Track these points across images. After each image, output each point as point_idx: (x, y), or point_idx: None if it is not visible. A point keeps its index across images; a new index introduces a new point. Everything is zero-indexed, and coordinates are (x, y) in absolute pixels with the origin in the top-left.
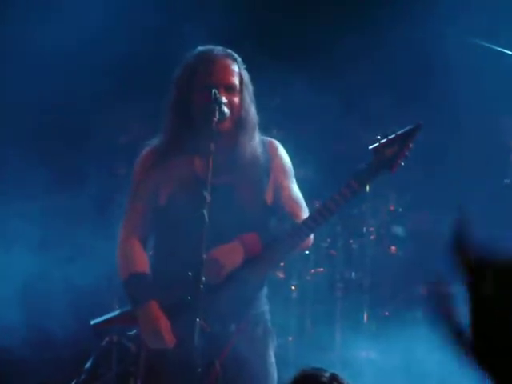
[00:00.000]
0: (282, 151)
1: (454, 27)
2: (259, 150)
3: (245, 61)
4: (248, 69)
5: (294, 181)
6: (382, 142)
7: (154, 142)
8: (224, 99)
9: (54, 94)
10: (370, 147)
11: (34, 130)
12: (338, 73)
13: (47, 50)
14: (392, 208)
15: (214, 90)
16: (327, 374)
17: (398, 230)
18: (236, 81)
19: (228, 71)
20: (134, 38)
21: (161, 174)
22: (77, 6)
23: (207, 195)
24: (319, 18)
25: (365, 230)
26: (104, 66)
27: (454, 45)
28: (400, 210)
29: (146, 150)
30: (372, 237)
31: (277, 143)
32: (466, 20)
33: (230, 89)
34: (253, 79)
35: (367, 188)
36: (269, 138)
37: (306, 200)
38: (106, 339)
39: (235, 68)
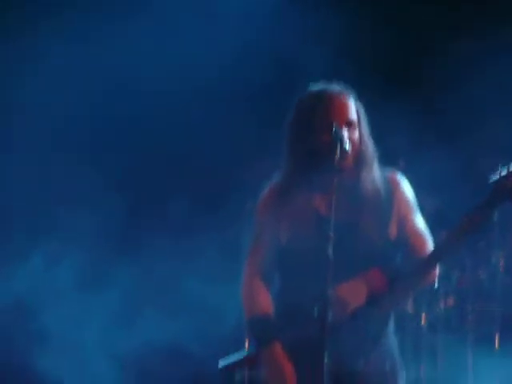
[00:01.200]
0: (405, 183)
1: None
2: (380, 184)
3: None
4: (373, 101)
5: (419, 213)
6: (502, 173)
7: (275, 180)
8: (346, 136)
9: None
10: (491, 180)
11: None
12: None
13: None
14: None
15: (334, 127)
16: None
17: None
18: (354, 116)
19: (346, 108)
20: (262, 67)
21: (282, 212)
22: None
23: (331, 233)
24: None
25: (494, 260)
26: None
27: None
28: None
29: (266, 189)
30: (501, 266)
31: (398, 175)
32: None
33: (349, 125)
34: (381, 109)
35: (492, 219)
36: (390, 171)
37: (434, 230)
38: (238, 374)
39: (352, 103)
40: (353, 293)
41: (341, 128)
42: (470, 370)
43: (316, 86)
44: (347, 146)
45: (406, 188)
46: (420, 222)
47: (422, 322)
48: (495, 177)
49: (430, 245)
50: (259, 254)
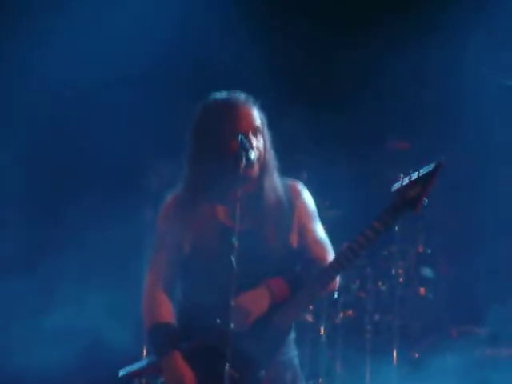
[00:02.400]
0: (306, 193)
1: (489, 67)
2: (282, 192)
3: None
4: (276, 112)
5: (319, 222)
6: (404, 183)
7: (177, 189)
8: (254, 143)
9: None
10: (393, 189)
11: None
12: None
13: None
14: (421, 250)
15: (240, 137)
16: None
17: (427, 271)
18: (260, 124)
19: (252, 116)
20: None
21: (184, 222)
22: None
23: (235, 241)
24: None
25: (394, 271)
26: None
27: (486, 85)
28: (429, 251)
29: (168, 198)
30: (401, 279)
31: (299, 185)
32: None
33: (255, 133)
34: (284, 122)
35: (396, 228)
36: (291, 180)
37: (336, 242)
38: (136, 383)
39: (256, 113)
40: (254, 302)
41: (248, 136)
42: (367, 379)
43: (220, 94)
44: (253, 156)
45: (307, 197)
46: (320, 230)
47: (321, 332)
48: (397, 185)
49: (330, 253)
50: (161, 264)
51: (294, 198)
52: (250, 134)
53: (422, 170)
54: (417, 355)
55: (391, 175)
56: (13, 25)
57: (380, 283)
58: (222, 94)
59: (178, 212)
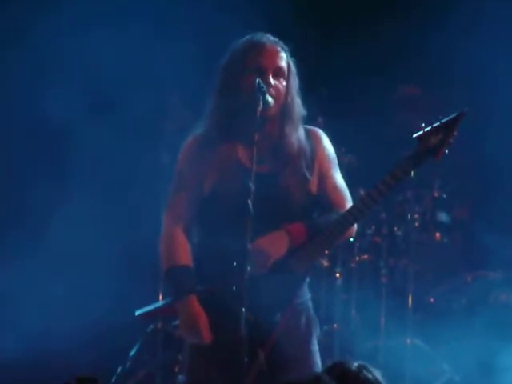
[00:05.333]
0: (326, 140)
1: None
2: (303, 139)
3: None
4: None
5: (339, 170)
6: (426, 130)
7: (198, 129)
8: (272, 82)
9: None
10: (415, 135)
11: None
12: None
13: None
14: (436, 195)
15: (257, 79)
16: (356, 364)
17: (443, 216)
18: (284, 66)
19: (277, 55)
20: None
21: (204, 163)
22: None
23: (252, 185)
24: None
25: (409, 216)
26: (148, 50)
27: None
28: (444, 196)
29: (189, 139)
30: (416, 224)
31: (320, 132)
32: None
33: (277, 73)
34: (301, 68)
35: (412, 174)
36: (312, 127)
37: (351, 188)
38: (151, 326)
39: (284, 55)
40: (273, 245)
41: (267, 74)
42: (382, 324)
43: (253, 34)
44: (270, 99)
45: (327, 144)
46: (340, 178)
47: (337, 276)
48: (419, 133)
49: (349, 201)
50: (180, 204)
51: (315, 144)
52: (272, 71)
53: (443, 119)
54: (432, 300)
55: (404, 121)
56: None
57: (395, 228)
58: (252, 34)
59: (199, 152)
